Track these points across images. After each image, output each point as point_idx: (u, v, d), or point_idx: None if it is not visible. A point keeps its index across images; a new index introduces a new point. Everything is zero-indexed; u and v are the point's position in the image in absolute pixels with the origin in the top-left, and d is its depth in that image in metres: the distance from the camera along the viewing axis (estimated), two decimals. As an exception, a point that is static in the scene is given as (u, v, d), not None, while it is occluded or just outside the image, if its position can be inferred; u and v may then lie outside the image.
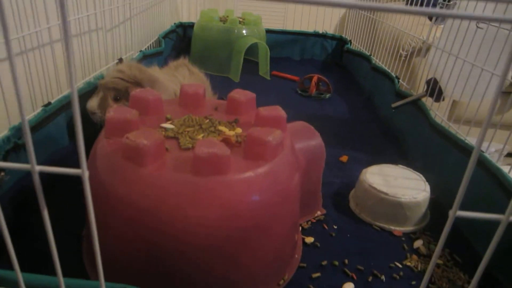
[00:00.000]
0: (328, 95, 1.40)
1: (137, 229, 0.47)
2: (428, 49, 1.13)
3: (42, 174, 0.25)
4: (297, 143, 0.67)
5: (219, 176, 0.46)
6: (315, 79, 1.40)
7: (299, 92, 1.42)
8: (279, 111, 0.59)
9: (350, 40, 1.79)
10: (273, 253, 0.55)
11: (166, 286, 0.49)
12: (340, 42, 1.84)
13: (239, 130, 0.58)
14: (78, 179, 0.27)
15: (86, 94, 0.84)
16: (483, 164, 0.69)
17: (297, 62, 1.85)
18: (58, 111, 0.74)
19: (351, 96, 1.44)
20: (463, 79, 0.86)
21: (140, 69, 0.85)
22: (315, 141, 0.71)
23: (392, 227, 0.73)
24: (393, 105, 1.04)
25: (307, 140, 0.70)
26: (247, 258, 0.51)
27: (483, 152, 0.72)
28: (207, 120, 0.61)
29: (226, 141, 0.54)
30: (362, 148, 1.04)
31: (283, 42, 1.85)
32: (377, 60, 1.44)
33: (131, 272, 0.51)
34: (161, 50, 1.30)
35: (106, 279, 0.36)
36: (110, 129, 0.53)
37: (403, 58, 1.59)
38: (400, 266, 0.65)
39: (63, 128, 0.77)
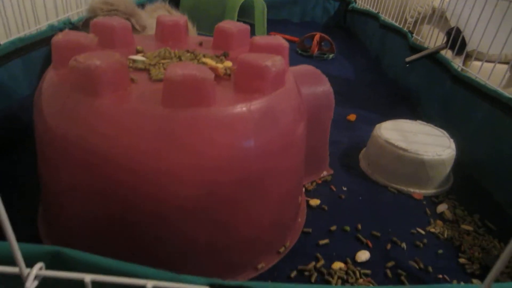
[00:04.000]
0: (331, 55, 1.27)
1: (94, 180, 0.36)
2: (442, 16, 1.00)
3: None
4: (302, 89, 0.55)
5: (199, 108, 0.34)
6: (317, 37, 1.26)
7: (300, 52, 1.29)
8: (279, 40, 0.47)
9: (354, 0, 1.64)
10: (270, 215, 0.44)
11: (137, 252, 0.38)
12: (343, 3, 1.69)
13: (228, 64, 0.46)
14: None
15: (48, 38, 0.71)
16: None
17: (296, 25, 1.70)
18: (10, 56, 0.62)
19: (356, 57, 1.31)
20: (494, 26, 0.73)
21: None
22: (323, 87, 0.59)
23: (412, 190, 0.62)
24: (408, 59, 0.92)
25: (313, 86, 0.58)
26: (237, 221, 0.40)
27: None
28: (189, 54, 0.48)
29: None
30: (372, 107, 0.92)
31: (281, 3, 1.70)
32: (385, 17, 1.30)
33: (94, 236, 0.40)
34: (144, 2, 1.16)
35: (65, 244, 0.26)
36: (59, 57, 0.40)
37: (408, 24, 1.45)
38: (423, 232, 0.54)
39: (19, 76, 0.64)
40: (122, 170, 0.34)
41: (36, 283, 0.22)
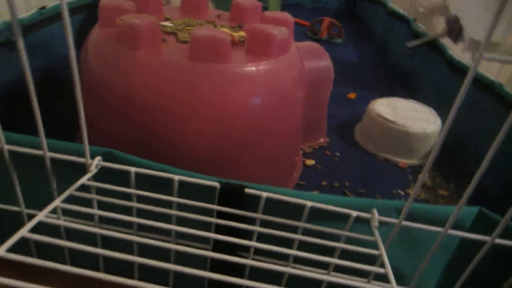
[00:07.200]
0: (339, 40, 1.34)
1: (131, 114, 0.44)
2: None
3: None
4: (305, 62, 0.63)
5: (218, 64, 0.43)
6: (326, 22, 1.33)
7: (309, 35, 1.36)
8: (286, 15, 0.54)
9: (366, -12, 1.69)
10: (267, 165, 0.52)
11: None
12: (356, -10, 1.74)
13: (242, 33, 0.54)
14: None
15: (86, 5, 0.79)
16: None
17: (309, 10, 1.76)
18: (53, 18, 0.70)
19: (363, 43, 1.38)
20: (487, 15, 0.80)
21: None
22: (324, 62, 0.66)
23: (398, 159, 0.70)
24: (408, 44, 0.98)
25: (315, 60, 0.65)
26: (239, 165, 0.49)
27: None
28: (209, 24, 0.56)
29: (228, 38, 0.50)
30: (372, 88, 0.99)
31: (296, -13, 1.76)
32: (392, 4, 1.35)
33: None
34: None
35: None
36: (104, 17, 0.49)
37: (419, 15, 1.50)
38: (402, 193, 0.62)
39: (59, 37, 0.73)
40: (154, 108, 0.42)
41: (96, 170, 0.31)
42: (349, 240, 0.33)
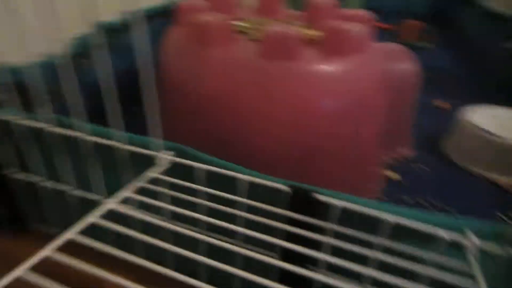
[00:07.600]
0: (430, 45, 1.22)
1: (202, 108, 0.45)
2: None
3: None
4: (386, 64, 0.58)
5: (289, 61, 0.41)
6: (415, 26, 1.23)
7: (396, 40, 1.27)
8: (364, 13, 0.51)
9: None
10: (343, 173, 0.48)
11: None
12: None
13: (316, 32, 0.52)
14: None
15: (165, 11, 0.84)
16: None
17: (396, 14, 1.65)
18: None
19: (456, 47, 1.24)
20: None
21: None
22: (408, 65, 0.60)
23: (498, 177, 0.60)
24: (506, 45, 0.85)
25: (398, 63, 0.59)
26: (311, 171, 0.46)
27: None
28: (282, 22, 0.55)
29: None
30: (466, 96, 0.88)
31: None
32: (490, 4, 1.19)
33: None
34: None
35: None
36: (181, 17, 0.51)
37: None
38: (503, 218, 0.53)
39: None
40: (223, 104, 0.42)
41: (167, 165, 0.31)
42: (432, 265, 0.28)
